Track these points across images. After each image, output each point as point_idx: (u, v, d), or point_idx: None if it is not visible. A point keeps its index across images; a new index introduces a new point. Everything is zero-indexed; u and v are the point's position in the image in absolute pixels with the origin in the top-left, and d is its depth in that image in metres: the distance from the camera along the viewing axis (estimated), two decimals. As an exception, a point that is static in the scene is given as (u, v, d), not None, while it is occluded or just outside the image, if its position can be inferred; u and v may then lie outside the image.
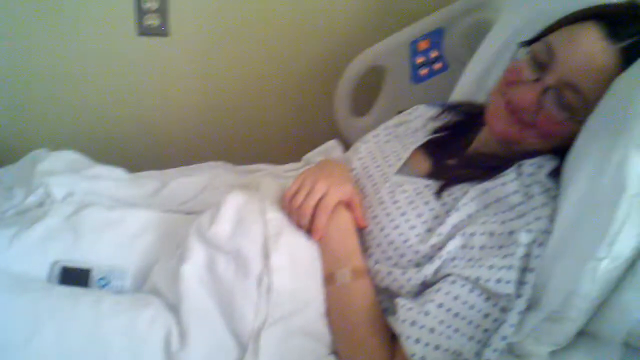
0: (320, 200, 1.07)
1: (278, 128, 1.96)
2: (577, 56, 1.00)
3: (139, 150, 1.84)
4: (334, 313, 1.02)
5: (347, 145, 1.47)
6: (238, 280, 1.02)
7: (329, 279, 1.04)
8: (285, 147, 1.80)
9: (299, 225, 1.09)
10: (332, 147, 1.48)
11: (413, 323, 0.93)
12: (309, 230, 1.08)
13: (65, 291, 1.07)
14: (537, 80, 1.03)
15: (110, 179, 1.38)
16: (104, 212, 1.21)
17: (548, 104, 1.02)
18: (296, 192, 1.09)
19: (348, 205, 1.10)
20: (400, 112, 1.40)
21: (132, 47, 1.81)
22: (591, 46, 0.99)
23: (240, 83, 1.86)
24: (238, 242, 1.06)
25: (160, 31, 1.76)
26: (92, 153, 1.48)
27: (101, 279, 1.13)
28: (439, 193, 1.06)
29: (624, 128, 0.82)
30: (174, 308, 1.02)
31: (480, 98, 1.38)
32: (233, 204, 1.12)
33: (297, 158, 1.52)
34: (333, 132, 1.68)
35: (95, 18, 1.77)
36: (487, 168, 1.07)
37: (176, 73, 1.84)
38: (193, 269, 1.04)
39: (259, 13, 1.79)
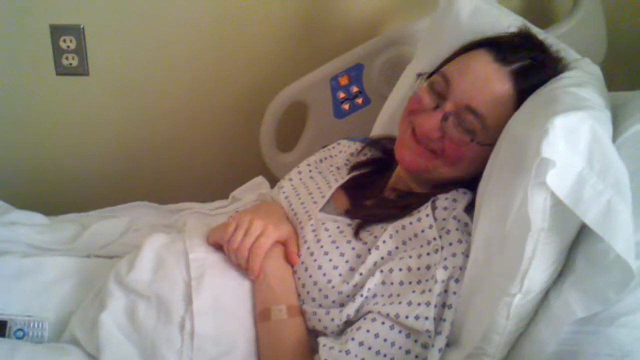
0: (257, 239, 1.06)
1: (204, 166, 1.94)
2: (470, 80, 1.05)
3: (59, 193, 1.79)
4: (266, 349, 1.01)
5: (274, 181, 1.48)
6: (160, 326, 0.99)
7: (263, 314, 1.02)
8: (212, 185, 1.79)
9: (238, 265, 1.08)
10: (258, 184, 1.49)
11: None
12: (246, 269, 1.07)
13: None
14: (436, 107, 1.07)
15: (28, 225, 1.33)
16: (19, 260, 1.17)
17: (450, 129, 1.05)
18: (233, 233, 1.08)
19: (284, 244, 1.10)
20: (324, 146, 1.41)
21: (50, 86, 1.77)
22: (483, 69, 1.04)
23: (163, 121, 1.84)
24: (158, 287, 1.03)
25: (79, 71, 1.74)
26: (8, 197, 1.44)
27: (18, 330, 1.09)
28: (357, 232, 1.07)
29: (523, 168, 0.85)
30: (94, 358, 1.00)
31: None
32: (153, 246, 1.10)
33: (224, 195, 1.52)
34: (260, 168, 1.68)
35: (13, 57, 1.73)
36: (403, 205, 1.10)
37: (96, 112, 1.82)
38: (113, 316, 1.01)
39: (179, 51, 1.78)
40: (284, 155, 1.74)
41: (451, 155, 1.07)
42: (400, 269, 0.98)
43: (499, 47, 1.06)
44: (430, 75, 1.14)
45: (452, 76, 1.07)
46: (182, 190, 1.72)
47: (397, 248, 1.02)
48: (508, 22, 1.25)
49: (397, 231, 1.03)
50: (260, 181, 1.50)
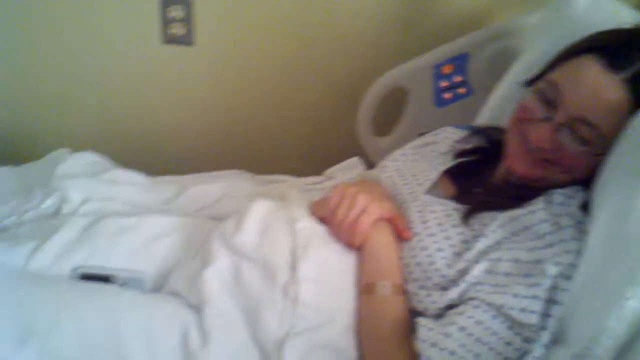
0: (360, 213, 1.06)
1: (299, 141, 1.96)
2: (582, 92, 0.99)
3: (157, 155, 1.83)
4: (366, 323, 1.01)
5: (366, 164, 1.48)
6: (264, 288, 1.01)
7: (367, 288, 1.02)
8: (305, 161, 1.80)
9: (341, 238, 1.08)
10: (354, 165, 1.49)
11: (433, 344, 0.92)
12: (347, 243, 1.07)
13: (86, 286, 1.08)
14: (548, 118, 1.03)
15: (129, 184, 1.38)
16: (121, 220, 1.21)
17: (563, 140, 1.01)
18: (337, 205, 1.08)
19: (390, 220, 1.09)
20: (422, 134, 1.40)
21: (156, 55, 1.81)
22: (593, 80, 0.99)
23: (264, 95, 1.86)
24: (264, 250, 1.05)
25: (185, 40, 1.77)
26: (111, 156, 1.49)
27: (121, 284, 1.13)
28: (466, 218, 1.06)
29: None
30: (195, 308, 1.02)
31: (504, 124, 1.38)
32: (259, 211, 1.12)
33: (315, 172, 1.53)
34: (353, 148, 1.68)
35: (121, 24, 1.78)
36: (515, 196, 1.07)
37: (199, 81, 1.85)
38: (217, 273, 1.04)
39: (285, 27, 1.80)
40: (379, 139, 1.73)
41: (566, 163, 1.03)
42: (509, 260, 0.96)
43: (609, 52, 0.99)
44: (537, 77, 1.10)
45: (563, 86, 1.02)
46: (276, 164, 1.73)
47: (506, 238, 1.00)
48: (629, 20, 1.19)
49: (507, 221, 1.01)
50: (355, 162, 1.50)
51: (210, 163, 1.66)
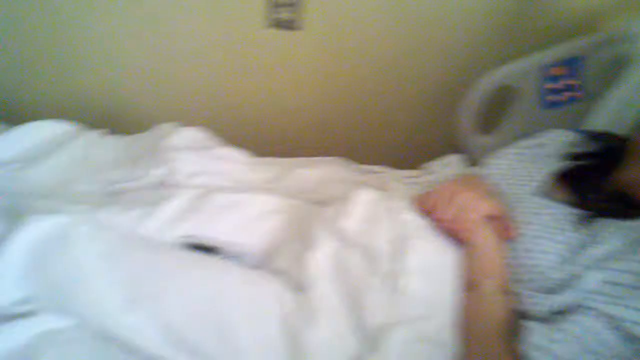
0: (464, 210, 1.06)
1: (396, 133, 1.95)
2: None
3: (258, 137, 1.86)
4: (468, 321, 1.01)
5: (466, 161, 1.46)
6: (367, 276, 1.02)
7: (472, 285, 1.02)
8: (401, 154, 1.79)
9: (443, 232, 1.08)
10: (453, 161, 1.47)
11: (539, 348, 0.91)
12: (451, 238, 1.07)
13: (194, 256, 1.12)
14: None
15: (234, 162, 1.41)
16: (229, 195, 1.25)
17: None
18: (443, 200, 1.09)
19: (496, 218, 1.08)
20: (526, 134, 1.37)
21: (260, 38, 1.84)
22: None
23: (365, 85, 1.86)
24: (369, 239, 1.06)
25: (292, 25, 1.78)
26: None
27: (227, 257, 1.16)
28: (581, 223, 1.03)
29: None
30: (298, 289, 1.04)
31: (619, 131, 1.34)
32: (364, 200, 1.13)
33: (409, 166, 1.52)
34: (451, 144, 1.66)
35: (227, 6, 1.81)
36: (636, 206, 1.04)
37: (301, 67, 1.86)
38: (321, 257, 1.06)
39: (391, 19, 1.78)
40: (480, 137, 1.70)
41: None
42: (628, 272, 0.93)
43: None
44: None
45: None
46: (373, 154, 1.73)
47: (625, 248, 0.96)
48: None
49: (627, 231, 0.98)
50: (455, 159, 1.48)
51: (308, 148, 1.68)
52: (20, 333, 1.05)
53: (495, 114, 1.72)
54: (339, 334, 0.99)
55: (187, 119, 1.58)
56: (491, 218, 1.08)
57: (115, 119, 1.92)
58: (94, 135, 1.56)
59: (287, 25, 1.81)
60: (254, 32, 1.83)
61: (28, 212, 1.14)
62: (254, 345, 0.99)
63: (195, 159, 1.35)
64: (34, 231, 1.11)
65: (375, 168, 1.53)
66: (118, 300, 1.05)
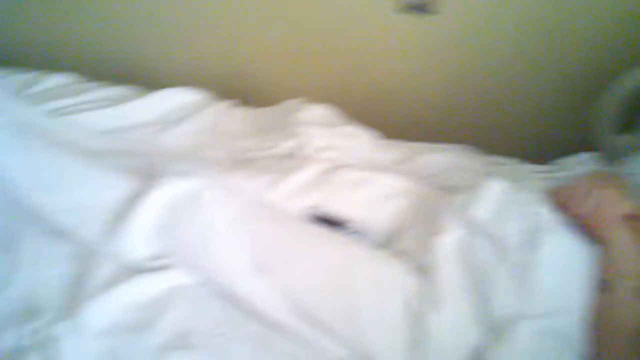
0: (602, 207, 1.02)
1: (526, 127, 1.88)
2: None
3: (383, 120, 1.85)
4: (602, 322, 0.97)
5: (601, 160, 1.39)
6: (495, 265, 1.00)
7: (606, 284, 0.98)
8: (529, 147, 1.72)
9: (579, 228, 1.04)
10: (588, 159, 1.41)
11: None
12: (587, 235, 1.03)
13: (320, 230, 1.14)
14: None
15: (362, 140, 1.41)
16: (359, 172, 1.25)
17: None
18: (577, 194, 1.05)
19: (631, 219, 1.03)
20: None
21: (389, 23, 1.81)
22: None
23: (497, 74, 1.80)
24: (499, 228, 1.04)
25: (427, 8, 1.75)
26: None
27: (352, 232, 1.17)
28: None
29: None
30: (423, 272, 1.03)
31: None
32: (497, 189, 1.10)
33: (537, 160, 1.47)
34: (584, 142, 1.58)
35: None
36: None
37: (431, 53, 1.83)
38: (449, 241, 1.05)
39: (534, 5, 1.70)
40: (617, 136, 1.61)
41: None
42: None
43: None
44: None
45: None
46: (497, 144, 1.67)
47: None
48: None
49: None
50: (589, 157, 1.42)
51: (431, 134, 1.65)
52: (152, 286, 1.11)
53: (636, 112, 1.62)
54: (462, 320, 0.98)
55: (312, 97, 1.59)
56: (629, 218, 1.02)
57: (242, 91, 1.96)
58: (223, 106, 1.61)
59: (420, 8, 1.77)
60: (384, 14, 1.81)
61: (163, 173, 1.20)
62: (377, 325, 0.99)
63: (325, 134, 1.36)
64: (168, 191, 1.16)
65: (502, 160, 1.48)
66: (245, 265, 1.08)
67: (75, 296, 1.09)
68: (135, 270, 1.14)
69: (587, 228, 1.03)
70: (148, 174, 1.22)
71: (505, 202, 1.08)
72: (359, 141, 1.39)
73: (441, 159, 1.39)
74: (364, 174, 1.24)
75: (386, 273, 1.04)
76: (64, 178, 1.23)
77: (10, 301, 1.09)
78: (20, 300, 1.10)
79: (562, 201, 1.08)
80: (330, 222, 1.17)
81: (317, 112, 1.46)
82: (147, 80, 1.86)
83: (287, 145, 1.35)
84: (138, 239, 1.15)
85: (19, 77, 1.73)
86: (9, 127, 1.31)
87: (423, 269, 1.04)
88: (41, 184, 1.23)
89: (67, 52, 2.18)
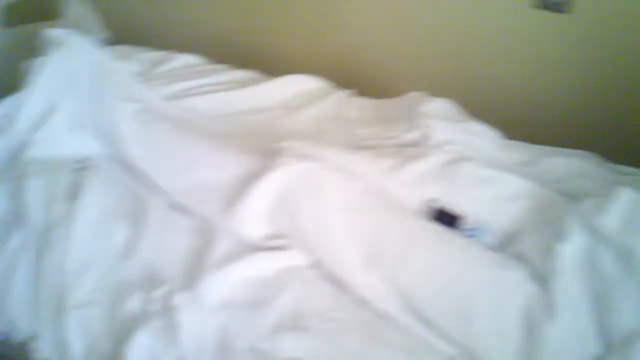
0: None
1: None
2: None
3: (504, 121, 1.81)
4: None
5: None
6: (624, 279, 0.96)
7: None
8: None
9: None
10: None
11: None
12: None
13: (438, 229, 1.12)
14: None
15: (485, 138, 1.38)
16: (481, 169, 1.22)
17: None
18: None
19: None
20: None
21: (524, 19, 1.75)
22: None
23: (628, 80, 1.70)
24: (627, 239, 0.99)
25: (561, 7, 1.68)
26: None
27: (469, 229, 1.14)
28: None
29: None
30: (541, 280, 1.00)
31: None
32: (624, 198, 1.05)
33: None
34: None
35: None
36: None
37: (560, 53, 1.76)
38: (572, 250, 1.01)
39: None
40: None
41: None
42: None
43: None
44: None
45: None
46: (621, 154, 1.58)
47: None
48: None
49: None
50: None
51: (551, 137, 1.59)
52: (268, 265, 1.14)
53: None
54: (580, 333, 0.95)
55: (431, 91, 1.57)
56: None
57: (360, 81, 1.96)
58: (343, 95, 1.62)
59: (556, 7, 1.70)
60: (520, 11, 1.75)
61: (283, 154, 1.22)
62: (491, 330, 0.98)
63: (447, 128, 1.34)
64: (287, 173, 1.19)
65: (631, 170, 1.41)
66: (357, 255, 1.09)
67: (194, 269, 1.14)
68: (251, 248, 1.17)
69: None
70: (268, 155, 1.25)
71: (635, 213, 1.03)
72: (481, 138, 1.36)
73: (566, 163, 1.33)
74: (486, 171, 1.21)
75: (503, 278, 1.02)
76: (189, 160, 1.29)
77: (136, 267, 1.15)
78: (145, 267, 1.16)
79: None
80: (448, 216, 1.15)
81: (439, 105, 1.44)
82: (264, 66, 1.89)
83: (409, 137, 1.34)
84: (255, 218, 1.18)
85: (148, 56, 1.81)
86: (139, 115, 1.39)
87: (540, 276, 1.01)
88: (166, 167, 1.30)
89: (189, 35, 2.26)
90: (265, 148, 1.29)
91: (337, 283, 1.10)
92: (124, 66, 1.57)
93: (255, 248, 1.17)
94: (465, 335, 0.99)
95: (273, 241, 1.18)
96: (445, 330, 1.01)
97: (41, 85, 1.39)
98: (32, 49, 1.54)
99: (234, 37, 2.18)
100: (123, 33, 2.00)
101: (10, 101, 1.39)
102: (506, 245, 1.12)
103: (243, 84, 1.64)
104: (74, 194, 1.26)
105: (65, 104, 1.40)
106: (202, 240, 1.20)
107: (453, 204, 1.17)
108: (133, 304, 1.09)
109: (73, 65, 1.43)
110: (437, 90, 1.61)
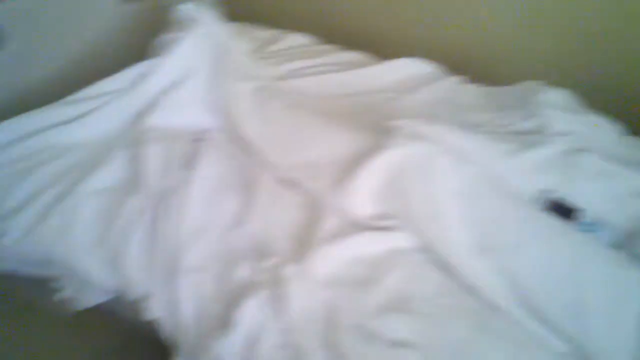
0: None
1: None
2: None
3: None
4: None
5: None
6: None
7: None
8: None
9: None
10: None
11: None
12: None
13: (553, 221, 1.08)
14: None
15: (606, 132, 1.33)
16: (601, 162, 1.17)
17: None
18: None
19: None
20: None
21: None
22: None
23: None
24: None
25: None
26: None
27: (587, 223, 1.10)
28: None
29: None
30: None
31: None
32: None
33: None
34: None
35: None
36: None
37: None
38: None
39: None
40: None
41: None
42: None
43: None
44: None
45: None
46: None
47: None
48: None
49: None
50: None
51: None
52: (376, 245, 1.14)
53: None
54: None
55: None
56: None
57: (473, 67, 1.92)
58: (455, 80, 1.59)
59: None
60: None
61: (395, 134, 1.21)
62: (607, 330, 0.94)
63: (566, 119, 1.29)
64: (399, 153, 1.17)
65: None
66: (467, 241, 1.07)
67: (303, 243, 1.15)
68: (359, 227, 1.17)
69: None
70: (381, 133, 1.24)
71: None
72: (601, 132, 1.30)
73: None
74: (609, 165, 1.16)
75: (622, 278, 0.97)
76: (304, 137, 1.30)
77: (246, 238, 1.18)
78: (254, 238, 1.18)
79: None
80: (564, 208, 1.11)
81: (558, 95, 1.39)
82: (375, 48, 1.88)
83: (526, 125, 1.31)
84: (364, 196, 1.18)
85: (260, 34, 1.85)
86: (256, 92, 1.42)
87: None
88: (281, 144, 1.32)
89: (303, 11, 2.27)
90: (378, 126, 1.28)
91: (445, 268, 1.08)
92: (242, 44, 1.60)
93: (363, 227, 1.17)
94: (579, 331, 0.95)
95: (381, 221, 1.17)
96: (558, 326, 0.97)
97: (177, 57, 1.46)
98: (153, 23, 1.60)
99: (345, 16, 2.16)
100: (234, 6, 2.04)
101: (148, 63, 1.46)
102: (626, 245, 1.07)
103: (354, 66, 1.64)
104: (190, 163, 1.30)
105: (193, 77, 1.45)
106: (310, 216, 1.21)
107: (570, 196, 1.13)
108: (243, 272, 1.11)
109: (204, 42, 1.48)
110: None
